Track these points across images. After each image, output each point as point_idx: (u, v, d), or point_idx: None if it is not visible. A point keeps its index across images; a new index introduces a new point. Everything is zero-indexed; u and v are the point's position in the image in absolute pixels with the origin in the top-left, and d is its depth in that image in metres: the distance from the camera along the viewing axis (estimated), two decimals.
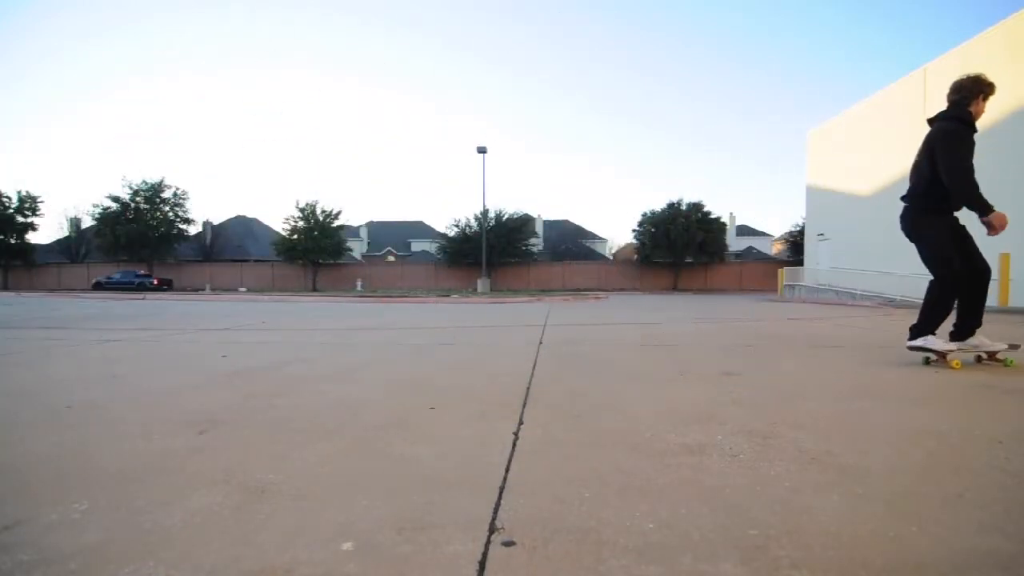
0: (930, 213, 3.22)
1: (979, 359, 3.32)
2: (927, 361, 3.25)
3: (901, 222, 3.44)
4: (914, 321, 3.29)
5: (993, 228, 2.96)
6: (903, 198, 3.40)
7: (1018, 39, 12.29)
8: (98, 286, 30.44)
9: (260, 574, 0.93)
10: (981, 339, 3.23)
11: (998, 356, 3.25)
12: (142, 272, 31.50)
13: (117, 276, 31.10)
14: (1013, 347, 3.28)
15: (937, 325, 3.20)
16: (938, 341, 3.18)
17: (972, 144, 3.03)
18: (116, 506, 1.20)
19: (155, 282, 30.33)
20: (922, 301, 3.26)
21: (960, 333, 3.24)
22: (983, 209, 2.98)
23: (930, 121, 3.29)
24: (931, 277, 3.26)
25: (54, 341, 4.72)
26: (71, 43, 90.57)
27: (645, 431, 1.82)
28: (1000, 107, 12.32)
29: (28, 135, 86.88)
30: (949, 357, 3.12)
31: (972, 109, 3.06)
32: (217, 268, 35.53)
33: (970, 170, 2.97)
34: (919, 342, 3.19)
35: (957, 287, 3.16)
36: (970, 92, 3.05)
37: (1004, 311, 9.96)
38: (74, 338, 4.92)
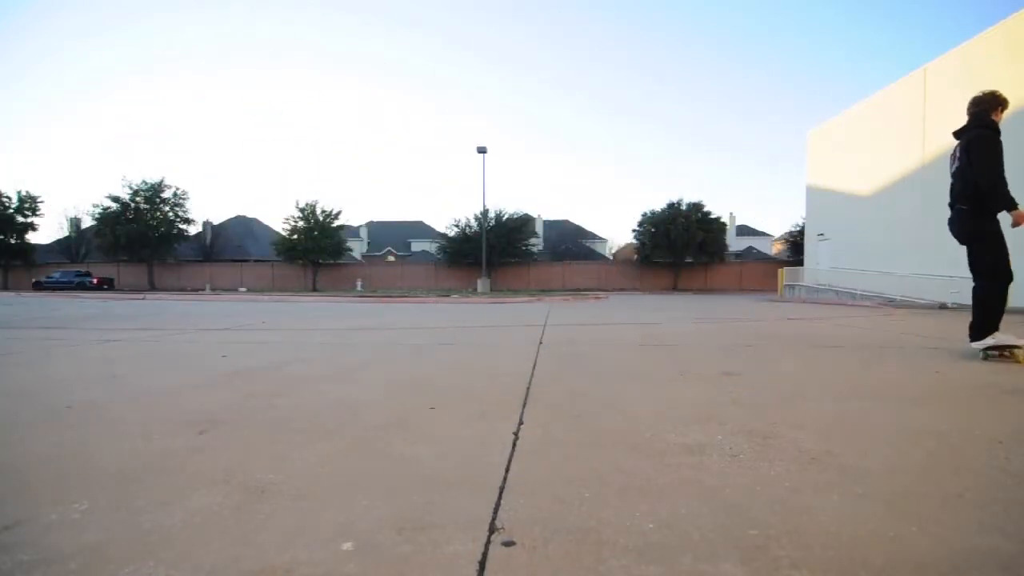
0: (985, 216, 3.46)
1: (1001, 354, 3.46)
2: (986, 357, 3.37)
3: (951, 226, 3.68)
4: (970, 321, 3.49)
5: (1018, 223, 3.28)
6: (951, 204, 3.65)
7: (1018, 39, 12.28)
8: (38, 286, 30.43)
9: (260, 574, 0.93)
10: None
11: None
12: (83, 271, 31.42)
13: (57, 275, 31.01)
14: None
15: (998, 322, 3.40)
16: (1007, 337, 3.35)
17: (1001, 148, 3.33)
18: (116, 506, 1.20)
19: (95, 281, 30.18)
20: (974, 303, 3.50)
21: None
22: (1010, 204, 3.27)
23: (956, 134, 3.57)
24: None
25: (54, 341, 4.72)
26: (71, 43, 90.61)
27: (645, 431, 1.82)
28: None
29: (28, 135, 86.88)
30: (1015, 351, 3.28)
31: (993, 118, 3.39)
32: (217, 268, 35.51)
33: (1000, 172, 3.28)
34: (991, 340, 3.35)
35: (1007, 285, 3.42)
36: (989, 104, 3.40)
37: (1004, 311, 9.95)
38: (74, 338, 4.92)
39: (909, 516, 1.15)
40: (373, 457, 1.56)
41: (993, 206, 3.35)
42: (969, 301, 3.49)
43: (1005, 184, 3.29)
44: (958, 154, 3.53)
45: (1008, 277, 3.41)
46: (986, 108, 3.43)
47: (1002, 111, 3.41)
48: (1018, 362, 3.22)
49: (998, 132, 3.40)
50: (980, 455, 1.57)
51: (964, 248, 3.59)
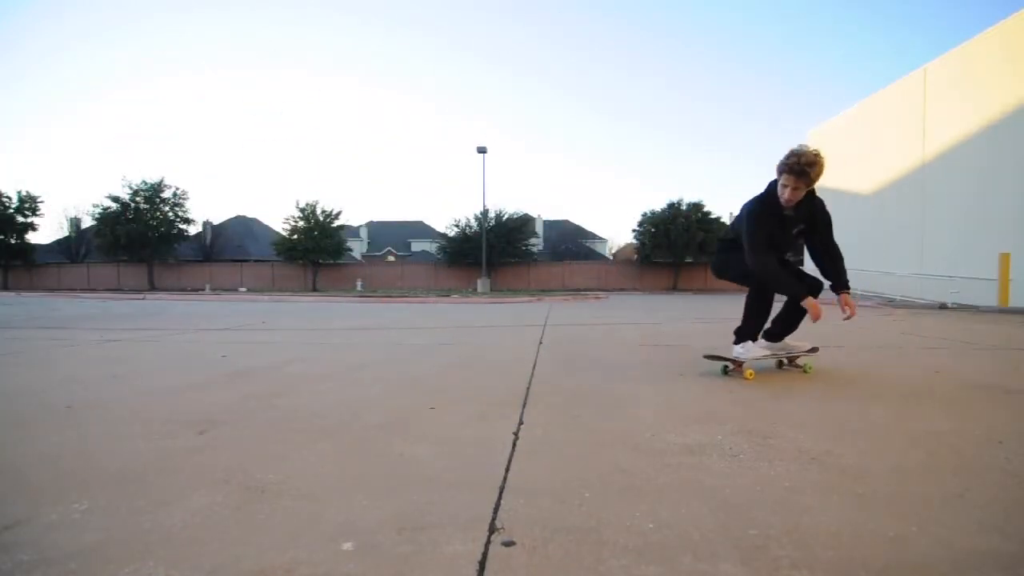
0: (731, 253, 3.20)
1: (780, 364, 3.20)
2: (725, 371, 3.00)
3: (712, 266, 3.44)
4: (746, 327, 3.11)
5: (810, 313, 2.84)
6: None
7: (1017, 40, 12.29)
8: None
9: (260, 574, 0.93)
10: (786, 342, 3.13)
11: (798, 362, 3.14)
12: None
13: None
14: (812, 350, 3.15)
15: (756, 331, 3.06)
16: (755, 348, 2.99)
17: (769, 222, 2.90)
18: (116, 506, 1.20)
19: None
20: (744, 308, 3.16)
21: (772, 335, 3.12)
22: (790, 293, 2.92)
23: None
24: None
25: (54, 341, 4.72)
26: (71, 43, 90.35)
27: (645, 431, 1.82)
28: (1000, 107, 12.32)
29: (28, 135, 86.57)
30: (745, 366, 2.89)
31: (779, 186, 2.82)
32: (217, 268, 35.49)
33: (758, 252, 2.89)
34: (739, 350, 2.98)
35: (768, 292, 3.08)
36: (778, 169, 2.81)
37: (1005, 311, 9.95)
38: (74, 338, 4.92)
39: (909, 516, 1.15)
40: (373, 457, 1.56)
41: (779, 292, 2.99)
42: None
43: (772, 267, 2.89)
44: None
45: (757, 271, 2.97)
46: (778, 171, 2.83)
47: (797, 179, 2.73)
48: (745, 377, 2.82)
49: (769, 202, 2.89)
50: (980, 455, 1.57)
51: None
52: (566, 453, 1.59)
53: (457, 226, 32.93)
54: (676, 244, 29.95)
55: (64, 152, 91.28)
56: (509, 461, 1.51)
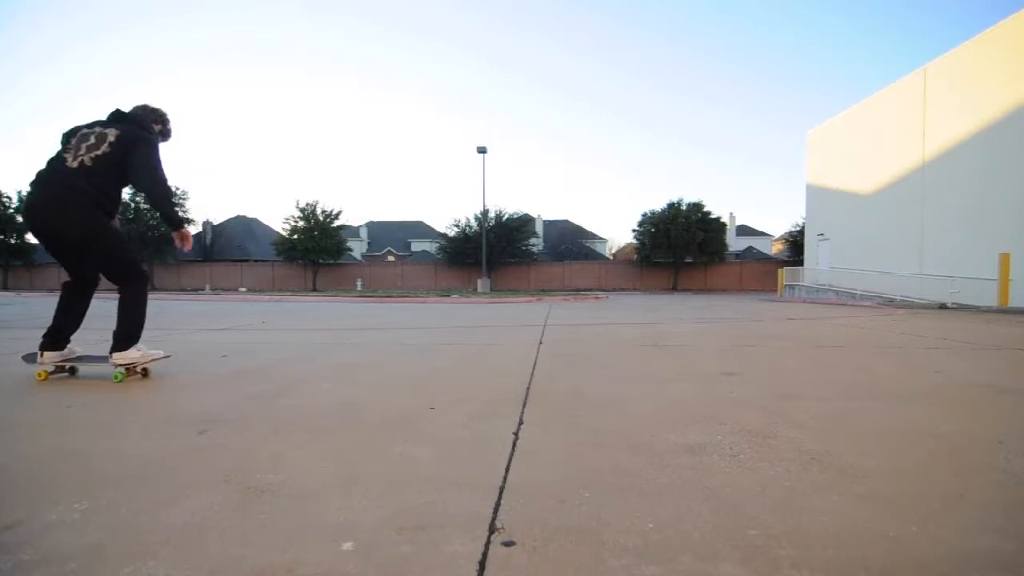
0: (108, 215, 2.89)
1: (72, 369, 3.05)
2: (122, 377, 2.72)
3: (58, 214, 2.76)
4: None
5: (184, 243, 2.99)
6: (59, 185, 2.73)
7: (1017, 39, 12.29)
8: None
9: (260, 574, 0.93)
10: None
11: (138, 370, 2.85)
12: None
13: None
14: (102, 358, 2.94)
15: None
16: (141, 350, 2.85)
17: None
18: (116, 506, 1.20)
19: None
20: (123, 308, 2.93)
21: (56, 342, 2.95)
22: (177, 222, 2.90)
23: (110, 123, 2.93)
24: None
25: None
26: (71, 44, 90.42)
27: (645, 431, 1.82)
28: (1000, 107, 12.32)
29: (28, 135, 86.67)
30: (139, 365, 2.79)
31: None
32: (217, 268, 35.52)
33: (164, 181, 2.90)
34: (135, 355, 2.79)
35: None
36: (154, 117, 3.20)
37: (1005, 311, 9.95)
38: (74, 338, 4.91)
39: (909, 516, 1.15)
40: (373, 457, 1.56)
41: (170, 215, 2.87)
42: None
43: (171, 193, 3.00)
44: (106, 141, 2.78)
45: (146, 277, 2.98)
46: (152, 119, 3.14)
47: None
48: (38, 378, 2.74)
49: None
50: (980, 455, 1.57)
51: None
52: (566, 453, 1.59)
53: (457, 226, 32.97)
54: (676, 244, 29.97)
55: None
56: (509, 461, 1.51)
